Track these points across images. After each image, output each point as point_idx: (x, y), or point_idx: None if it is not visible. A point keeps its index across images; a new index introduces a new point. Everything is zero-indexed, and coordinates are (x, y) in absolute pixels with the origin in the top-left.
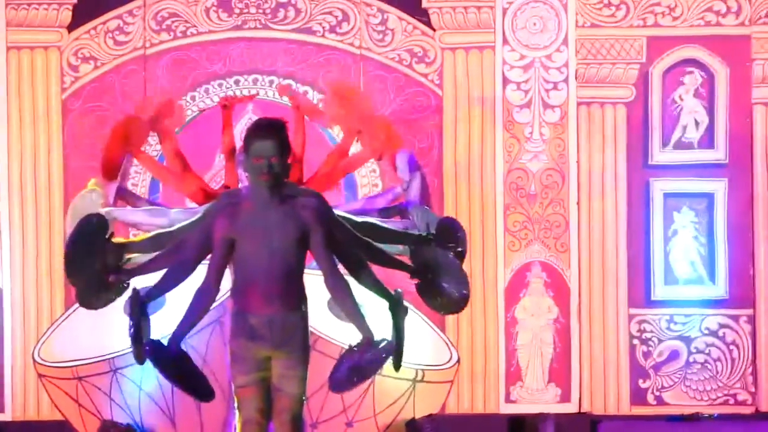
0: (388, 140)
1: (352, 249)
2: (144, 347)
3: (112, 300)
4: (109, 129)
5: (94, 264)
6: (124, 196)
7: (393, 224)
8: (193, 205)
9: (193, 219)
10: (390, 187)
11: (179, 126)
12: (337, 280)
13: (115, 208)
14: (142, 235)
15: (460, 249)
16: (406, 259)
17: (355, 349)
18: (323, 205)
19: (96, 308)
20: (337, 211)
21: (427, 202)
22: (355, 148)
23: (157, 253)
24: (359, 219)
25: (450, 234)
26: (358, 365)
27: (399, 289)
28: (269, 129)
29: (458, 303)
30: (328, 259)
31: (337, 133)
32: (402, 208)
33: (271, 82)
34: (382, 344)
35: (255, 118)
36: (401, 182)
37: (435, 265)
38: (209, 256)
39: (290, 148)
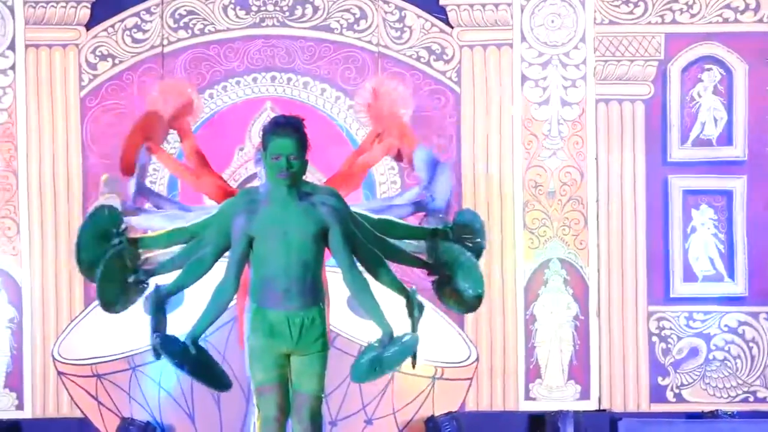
0: (401, 138)
1: (370, 247)
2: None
3: (133, 302)
4: (130, 125)
5: (105, 255)
6: (143, 193)
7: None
8: (212, 203)
9: (210, 216)
10: (408, 186)
11: (195, 120)
12: (355, 277)
13: (132, 216)
14: (158, 231)
15: (479, 240)
16: (424, 257)
17: (376, 344)
18: (341, 203)
19: (118, 312)
20: (354, 209)
21: (449, 198)
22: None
23: (174, 251)
24: (376, 216)
25: (468, 227)
26: (380, 357)
27: (413, 287)
28: (288, 127)
29: (472, 302)
30: (347, 256)
31: (355, 130)
32: (422, 206)
33: (289, 79)
34: (405, 339)
35: (273, 115)
36: (419, 181)
37: (452, 262)
38: (227, 253)
39: (308, 145)
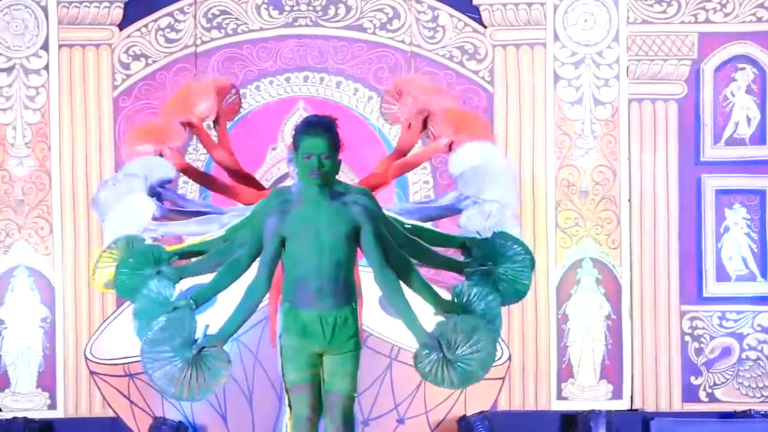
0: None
1: (400, 252)
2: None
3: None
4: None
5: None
6: (170, 198)
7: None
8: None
9: (244, 218)
10: (441, 186)
11: (233, 117)
12: (387, 277)
13: (163, 224)
14: (192, 242)
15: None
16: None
17: (426, 352)
18: (373, 203)
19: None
20: (386, 212)
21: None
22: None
23: (208, 253)
24: (408, 222)
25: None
26: (450, 360)
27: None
28: (319, 126)
29: (519, 292)
30: (378, 255)
31: (388, 130)
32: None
33: (322, 79)
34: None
35: (305, 115)
36: (454, 183)
37: (498, 253)
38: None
39: (341, 145)
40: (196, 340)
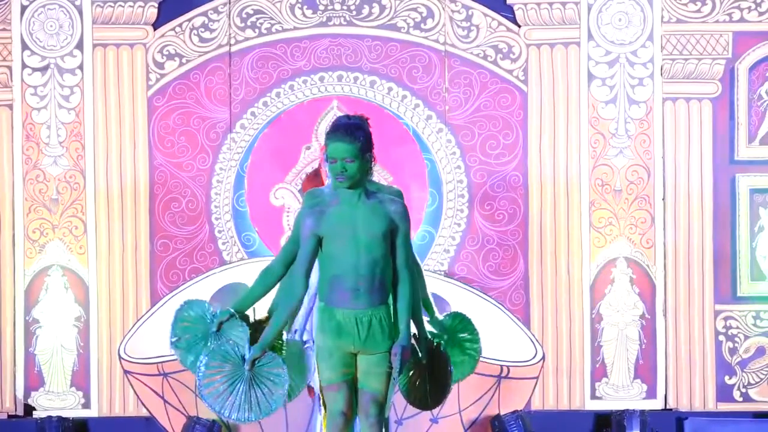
0: None
1: (415, 256)
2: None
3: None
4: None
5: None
6: None
7: None
8: None
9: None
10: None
11: None
12: (411, 272)
13: None
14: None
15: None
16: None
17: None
18: (403, 202)
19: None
20: None
21: None
22: None
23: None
24: None
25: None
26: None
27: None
28: (345, 129)
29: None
30: (409, 253)
31: (422, 129)
32: None
33: (356, 78)
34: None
35: (339, 114)
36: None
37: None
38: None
39: (370, 146)
40: (244, 357)
